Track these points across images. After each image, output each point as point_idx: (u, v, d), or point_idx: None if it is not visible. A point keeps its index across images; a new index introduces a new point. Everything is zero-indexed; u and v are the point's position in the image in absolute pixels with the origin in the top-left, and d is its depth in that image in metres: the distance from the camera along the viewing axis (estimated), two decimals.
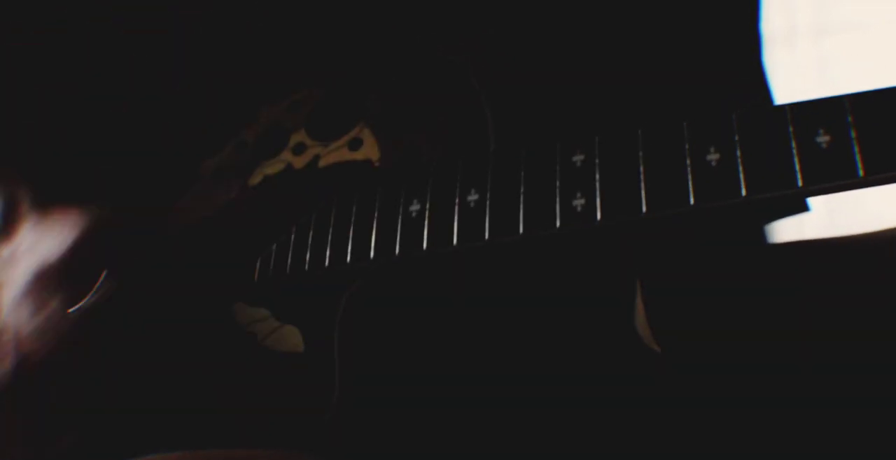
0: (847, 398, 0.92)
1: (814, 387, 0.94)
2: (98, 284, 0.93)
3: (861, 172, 0.68)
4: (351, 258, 0.82)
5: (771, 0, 1.09)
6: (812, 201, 1.03)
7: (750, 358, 0.96)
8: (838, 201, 1.62)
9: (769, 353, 0.96)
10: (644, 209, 0.74)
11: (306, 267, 0.84)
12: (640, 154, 0.75)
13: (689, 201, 0.73)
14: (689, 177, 0.73)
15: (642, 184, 0.74)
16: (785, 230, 1.08)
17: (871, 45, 1.94)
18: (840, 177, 0.69)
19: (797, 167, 0.70)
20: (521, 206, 0.78)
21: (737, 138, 0.73)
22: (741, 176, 0.72)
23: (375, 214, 0.83)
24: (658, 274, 0.97)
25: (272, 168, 0.91)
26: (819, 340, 0.96)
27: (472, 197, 0.80)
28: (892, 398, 0.91)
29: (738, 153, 0.72)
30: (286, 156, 0.91)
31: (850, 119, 0.69)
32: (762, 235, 1.06)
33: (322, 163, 0.88)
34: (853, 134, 0.69)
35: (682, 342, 0.95)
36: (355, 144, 0.87)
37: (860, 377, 0.93)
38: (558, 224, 0.76)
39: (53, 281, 0.95)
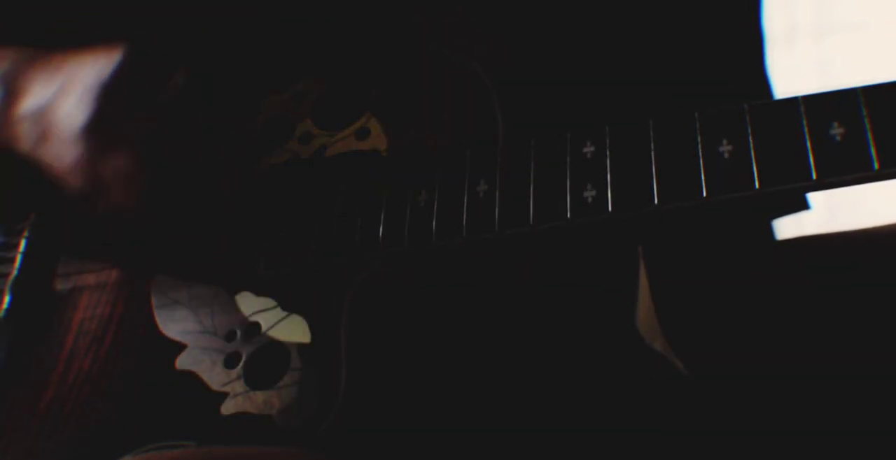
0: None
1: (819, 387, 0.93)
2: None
3: (876, 166, 0.68)
4: (359, 248, 0.82)
5: (771, 0, 1.08)
6: (812, 199, 1.03)
7: (756, 355, 0.96)
8: (838, 199, 1.62)
9: (775, 351, 0.96)
10: (656, 201, 0.73)
11: (313, 256, 0.83)
12: (652, 145, 0.75)
13: (701, 193, 0.72)
14: (702, 168, 0.73)
15: (654, 176, 0.74)
16: (787, 227, 1.07)
17: (871, 45, 1.94)
18: (855, 170, 0.68)
19: (811, 160, 0.69)
20: (532, 197, 0.77)
21: (750, 130, 0.72)
22: (754, 168, 0.71)
23: (383, 204, 0.82)
24: (665, 271, 0.97)
25: (278, 157, 0.90)
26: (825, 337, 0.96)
27: (482, 187, 0.79)
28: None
29: (752, 145, 0.72)
30: (292, 145, 0.90)
31: (864, 111, 0.69)
32: (766, 231, 1.05)
33: (329, 152, 0.87)
34: (868, 126, 0.68)
35: (689, 339, 0.95)
36: (363, 134, 0.86)
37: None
38: (569, 215, 0.75)
39: None
